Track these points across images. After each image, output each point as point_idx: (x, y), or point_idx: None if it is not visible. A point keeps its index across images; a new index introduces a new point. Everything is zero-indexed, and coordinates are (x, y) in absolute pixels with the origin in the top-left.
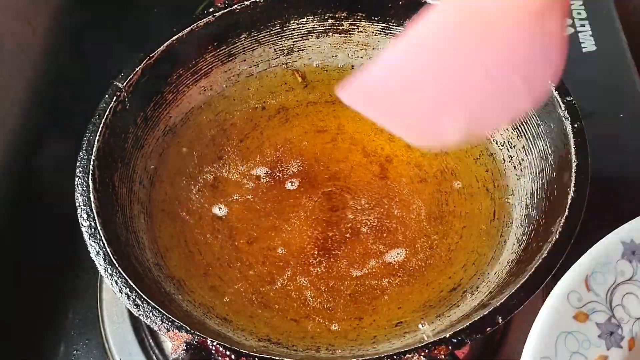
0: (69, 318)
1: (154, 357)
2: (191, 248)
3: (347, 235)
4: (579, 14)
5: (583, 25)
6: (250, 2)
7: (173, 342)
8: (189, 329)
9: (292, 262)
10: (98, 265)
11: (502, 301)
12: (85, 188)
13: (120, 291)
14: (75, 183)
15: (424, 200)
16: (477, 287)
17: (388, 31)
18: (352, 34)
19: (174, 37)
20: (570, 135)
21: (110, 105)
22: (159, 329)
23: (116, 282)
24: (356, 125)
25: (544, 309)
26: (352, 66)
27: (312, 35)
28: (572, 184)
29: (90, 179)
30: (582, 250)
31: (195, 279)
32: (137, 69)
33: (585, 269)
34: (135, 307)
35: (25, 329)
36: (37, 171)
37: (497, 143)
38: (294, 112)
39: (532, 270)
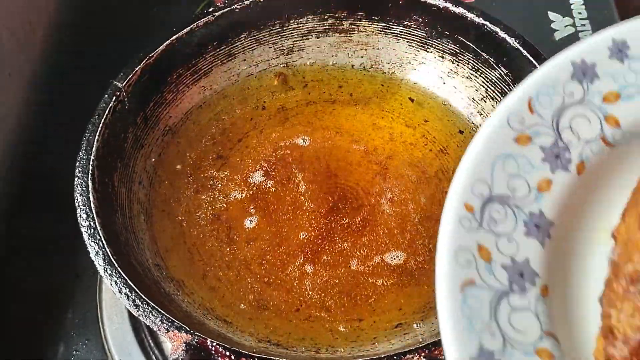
0: (68, 318)
1: (154, 357)
2: (191, 248)
3: (348, 235)
4: (580, 13)
5: (583, 25)
6: (250, 2)
7: (173, 342)
8: (188, 329)
9: (292, 262)
10: (97, 266)
11: None
12: (84, 188)
13: (119, 291)
14: (75, 183)
15: (424, 199)
16: None
17: (388, 31)
18: (352, 33)
19: (174, 37)
20: None
21: (110, 104)
22: (159, 330)
23: (116, 282)
24: (356, 124)
25: (480, 133)
26: (352, 65)
27: (312, 35)
28: None
29: (89, 179)
30: None
31: (194, 280)
32: (136, 69)
33: (528, 91)
34: (134, 307)
35: (25, 329)
36: (36, 171)
37: None
38: (294, 112)
39: None
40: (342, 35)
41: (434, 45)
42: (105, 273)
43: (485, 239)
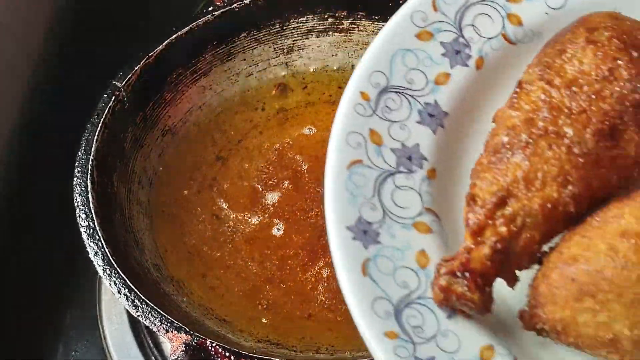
0: (67, 319)
1: (153, 358)
2: (190, 249)
3: None
4: None
5: None
6: (250, 1)
7: (172, 343)
8: (188, 329)
9: (291, 262)
10: (97, 266)
11: None
12: (83, 188)
13: (119, 292)
14: (74, 183)
15: None
16: None
17: None
18: (352, 33)
19: (173, 36)
20: None
21: (109, 104)
22: (158, 330)
23: (115, 282)
24: None
25: (383, 29)
26: (352, 65)
27: (312, 34)
28: None
29: (88, 179)
30: None
31: (194, 280)
32: (136, 69)
33: None
34: (134, 307)
35: (24, 329)
36: (36, 171)
37: None
38: (294, 113)
39: None
40: (342, 34)
41: None
42: (105, 273)
43: (378, 125)
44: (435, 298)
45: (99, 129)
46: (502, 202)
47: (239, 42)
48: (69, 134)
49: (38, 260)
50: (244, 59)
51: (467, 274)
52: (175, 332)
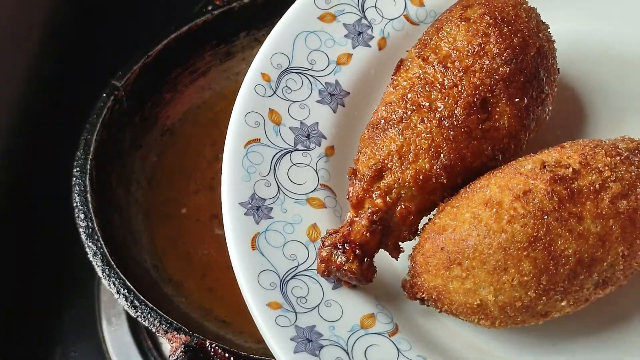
0: (66, 320)
1: (152, 359)
2: (189, 249)
3: None
4: None
5: None
6: (250, 1)
7: (171, 344)
8: (187, 330)
9: None
10: (95, 266)
11: None
12: (82, 188)
13: (117, 292)
14: (72, 183)
15: None
16: None
17: None
18: None
19: (172, 36)
20: None
21: (108, 104)
22: (157, 331)
23: (114, 283)
24: None
25: (286, 13)
26: None
27: None
28: None
29: (87, 179)
30: None
31: (193, 281)
32: (135, 68)
33: None
34: (132, 308)
35: (22, 330)
36: (35, 171)
37: None
38: None
39: None
40: None
41: None
42: (104, 274)
43: (278, 105)
44: (317, 269)
45: (97, 129)
46: (378, 175)
47: (238, 42)
48: (68, 134)
49: (37, 260)
50: (243, 59)
51: (346, 245)
52: (175, 332)
